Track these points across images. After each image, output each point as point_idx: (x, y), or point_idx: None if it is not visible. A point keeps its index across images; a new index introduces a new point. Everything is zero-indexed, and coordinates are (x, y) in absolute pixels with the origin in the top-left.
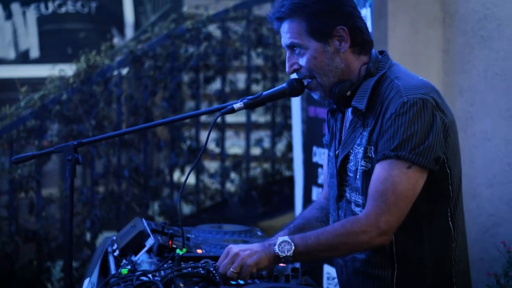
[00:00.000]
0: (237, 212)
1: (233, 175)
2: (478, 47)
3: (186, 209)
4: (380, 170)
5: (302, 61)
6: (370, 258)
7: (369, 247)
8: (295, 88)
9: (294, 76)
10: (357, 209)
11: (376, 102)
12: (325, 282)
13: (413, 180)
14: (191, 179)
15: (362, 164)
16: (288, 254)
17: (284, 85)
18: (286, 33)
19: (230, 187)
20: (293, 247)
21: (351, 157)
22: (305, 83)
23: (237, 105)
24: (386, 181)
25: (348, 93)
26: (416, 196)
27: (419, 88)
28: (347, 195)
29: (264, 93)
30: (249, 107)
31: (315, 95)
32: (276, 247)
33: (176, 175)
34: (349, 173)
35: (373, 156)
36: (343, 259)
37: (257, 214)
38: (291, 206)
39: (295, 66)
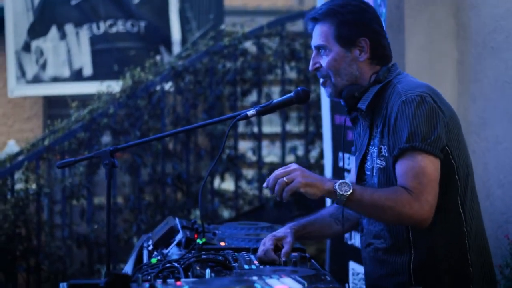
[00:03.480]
0: (273, 216)
1: None
2: (489, 57)
3: (226, 213)
4: (404, 162)
5: (324, 62)
6: (390, 245)
7: (411, 221)
8: (301, 97)
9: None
10: None
11: (382, 105)
12: (350, 278)
13: (434, 164)
14: (231, 186)
15: (377, 162)
16: (345, 194)
17: (291, 94)
18: (316, 35)
19: (266, 192)
20: (351, 190)
21: (368, 157)
22: (322, 81)
23: (250, 112)
24: (414, 168)
25: (356, 94)
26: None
27: (416, 88)
28: None
29: (274, 101)
30: (261, 113)
31: (326, 92)
32: (337, 184)
33: (216, 182)
34: (366, 172)
35: (387, 154)
36: (366, 251)
37: (293, 217)
38: (323, 208)
39: (317, 65)
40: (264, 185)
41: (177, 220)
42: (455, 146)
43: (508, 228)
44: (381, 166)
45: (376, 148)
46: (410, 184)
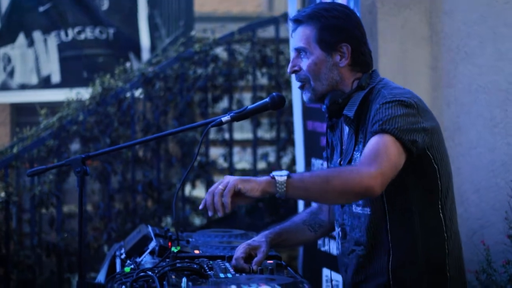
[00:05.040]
0: (245, 223)
1: None
2: (462, 63)
3: (197, 220)
4: (371, 140)
5: (304, 65)
6: (369, 251)
7: (359, 186)
8: (276, 102)
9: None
10: (358, 209)
11: (367, 111)
12: (323, 284)
13: (400, 150)
14: (202, 193)
15: None
16: (283, 176)
17: (266, 99)
18: (298, 37)
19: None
20: (287, 173)
21: (352, 163)
22: (299, 84)
23: (225, 118)
24: (378, 144)
25: (340, 100)
26: (399, 170)
27: (403, 94)
28: None
29: (249, 107)
30: (236, 119)
31: (305, 96)
32: (273, 173)
33: (187, 189)
34: None
35: None
36: (349, 258)
37: (264, 224)
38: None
39: (296, 68)
40: (200, 206)
41: (150, 228)
42: (438, 152)
43: (483, 234)
44: None
45: (359, 153)
46: (364, 156)
